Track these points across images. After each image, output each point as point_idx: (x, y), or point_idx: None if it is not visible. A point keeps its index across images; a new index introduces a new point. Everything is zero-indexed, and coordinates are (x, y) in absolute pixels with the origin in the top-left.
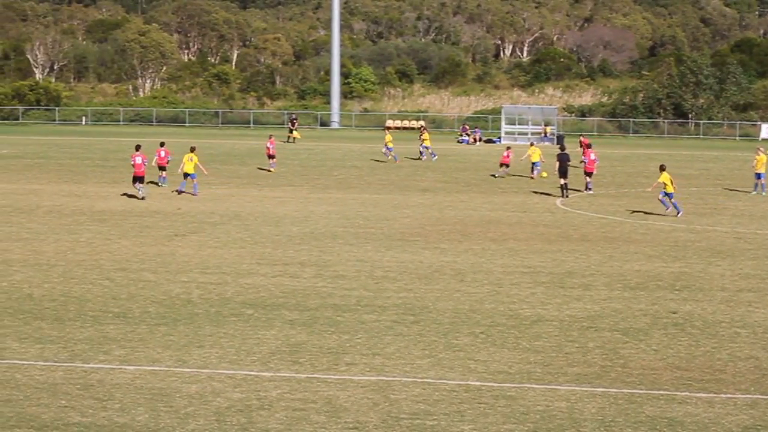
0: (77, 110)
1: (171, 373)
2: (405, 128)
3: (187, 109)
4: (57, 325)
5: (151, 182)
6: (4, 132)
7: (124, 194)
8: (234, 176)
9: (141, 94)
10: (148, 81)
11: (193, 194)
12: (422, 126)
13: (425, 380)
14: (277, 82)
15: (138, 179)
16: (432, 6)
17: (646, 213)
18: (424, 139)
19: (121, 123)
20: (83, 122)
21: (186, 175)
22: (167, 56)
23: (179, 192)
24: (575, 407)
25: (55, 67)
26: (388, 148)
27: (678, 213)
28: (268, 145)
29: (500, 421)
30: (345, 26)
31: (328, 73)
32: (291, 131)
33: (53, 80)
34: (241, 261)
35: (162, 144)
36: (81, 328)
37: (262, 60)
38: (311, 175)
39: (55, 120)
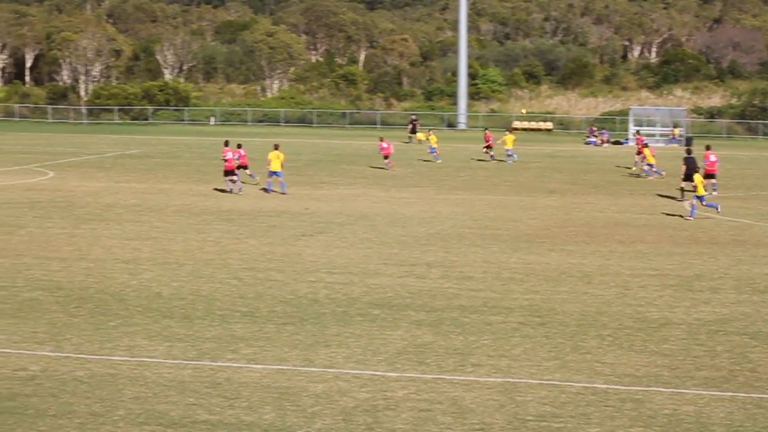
0: (206, 110)
1: (298, 372)
2: (531, 129)
3: (314, 110)
4: (185, 324)
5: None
6: (134, 132)
7: (215, 189)
8: (360, 177)
9: (269, 94)
10: (276, 81)
11: (282, 193)
12: (510, 129)
13: (551, 382)
14: (404, 83)
15: (228, 173)
16: (559, 7)
17: None
18: (506, 142)
19: (249, 123)
20: (211, 122)
21: (272, 173)
22: (295, 57)
23: (267, 191)
24: (703, 411)
25: (184, 68)
26: (431, 149)
27: (691, 215)
28: (384, 145)
29: (627, 424)
30: (472, 27)
31: (455, 74)
32: (413, 132)
33: (182, 81)
34: (367, 261)
35: (239, 146)
36: (209, 327)
37: (389, 61)
38: (438, 176)
39: (183, 120)
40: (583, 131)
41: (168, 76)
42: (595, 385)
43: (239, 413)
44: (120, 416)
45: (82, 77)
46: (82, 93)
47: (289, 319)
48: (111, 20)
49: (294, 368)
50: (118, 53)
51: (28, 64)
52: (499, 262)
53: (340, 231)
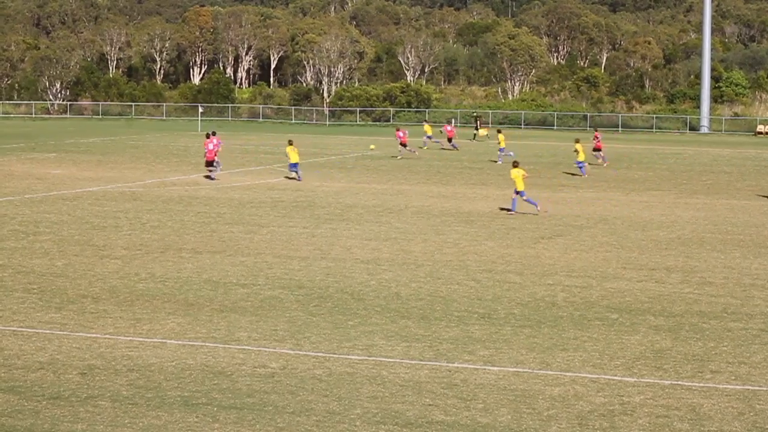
0: (447, 112)
1: (534, 375)
2: None
3: (555, 113)
4: (423, 324)
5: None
6: (375, 133)
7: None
8: (600, 180)
9: (510, 96)
10: (517, 84)
11: (299, 180)
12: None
13: None
14: (646, 85)
15: (209, 164)
16: None
17: None
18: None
19: (490, 126)
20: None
21: (292, 165)
22: (536, 59)
23: (290, 178)
24: None
25: (426, 70)
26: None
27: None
28: (400, 134)
29: None
30: (716, 29)
31: (698, 76)
32: (476, 129)
33: (424, 82)
34: (606, 265)
35: (213, 133)
36: (446, 328)
37: (632, 63)
38: (679, 179)
39: (425, 121)
40: None
41: (410, 77)
42: None
43: (475, 415)
44: (357, 415)
45: (325, 79)
46: (325, 94)
47: (527, 322)
48: (354, 22)
49: (530, 371)
50: (360, 55)
51: (273, 65)
52: (740, 268)
53: (578, 234)
